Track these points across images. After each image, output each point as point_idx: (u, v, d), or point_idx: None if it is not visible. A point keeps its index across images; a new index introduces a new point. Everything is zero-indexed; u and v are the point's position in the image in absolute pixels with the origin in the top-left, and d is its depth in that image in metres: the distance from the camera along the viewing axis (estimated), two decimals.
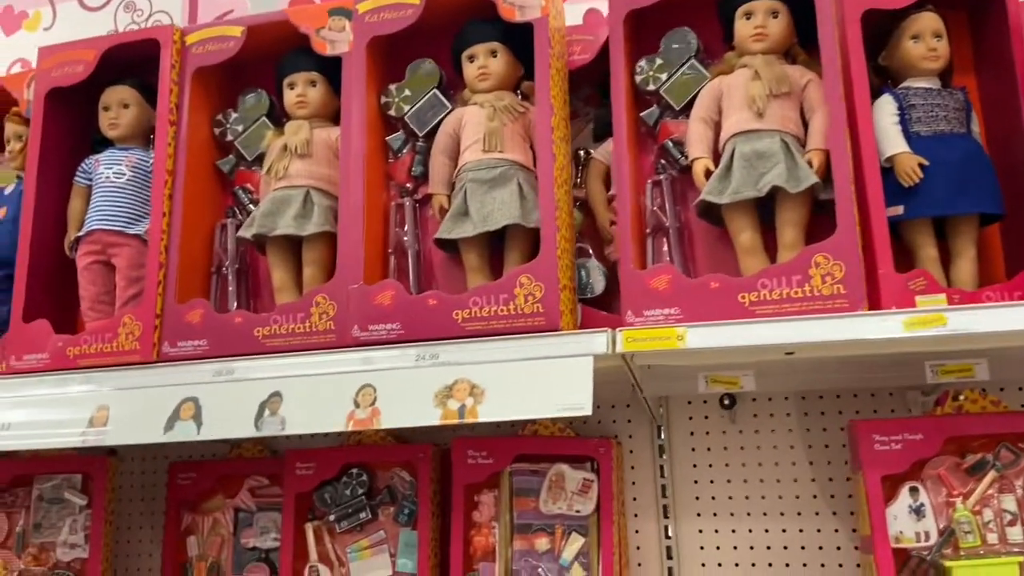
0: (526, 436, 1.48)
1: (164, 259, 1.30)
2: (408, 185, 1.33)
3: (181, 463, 1.72)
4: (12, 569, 1.58)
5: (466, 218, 1.20)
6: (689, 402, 1.52)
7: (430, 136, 1.33)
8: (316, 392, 1.15)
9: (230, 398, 1.18)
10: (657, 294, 1.09)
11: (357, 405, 1.12)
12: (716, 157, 1.18)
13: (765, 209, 1.15)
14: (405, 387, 1.11)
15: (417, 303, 1.16)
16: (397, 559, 1.50)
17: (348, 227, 1.23)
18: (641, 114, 1.26)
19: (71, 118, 1.48)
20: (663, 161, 1.25)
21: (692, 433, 1.52)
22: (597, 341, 1.07)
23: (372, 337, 1.16)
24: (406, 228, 1.30)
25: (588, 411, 1.01)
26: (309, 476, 1.54)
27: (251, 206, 1.40)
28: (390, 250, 1.30)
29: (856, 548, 1.33)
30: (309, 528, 1.54)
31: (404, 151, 1.34)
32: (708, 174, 1.15)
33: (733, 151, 1.12)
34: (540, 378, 1.06)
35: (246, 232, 1.31)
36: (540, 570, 1.41)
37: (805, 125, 1.16)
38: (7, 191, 1.55)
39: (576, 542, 1.40)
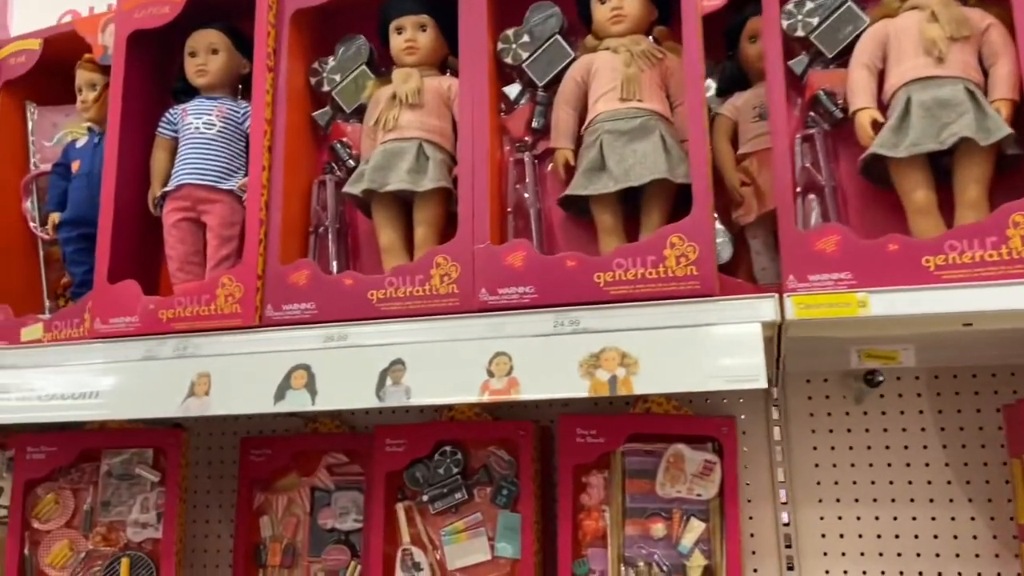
0: (638, 414, 1.40)
1: (264, 216, 1.21)
2: (527, 139, 1.23)
3: (253, 439, 1.65)
4: (79, 550, 1.50)
5: (602, 173, 1.11)
6: (808, 380, 1.43)
7: (549, 87, 1.23)
8: (443, 360, 1.06)
9: (345, 366, 1.10)
10: (824, 257, 0.99)
11: (491, 374, 1.03)
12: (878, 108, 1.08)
13: (937, 164, 1.05)
14: (544, 356, 1.02)
15: (553, 265, 1.07)
16: (496, 543, 1.42)
17: (469, 183, 1.14)
18: (789, 63, 1.16)
19: (152, 64, 1.38)
20: (813, 114, 1.15)
21: (812, 414, 1.43)
22: (764, 307, 0.97)
23: (502, 301, 1.07)
24: (526, 185, 1.21)
25: (763, 383, 0.92)
26: (400, 454, 1.46)
27: (351, 162, 1.31)
28: (509, 209, 1.20)
29: (1015, 537, 1.24)
30: (400, 509, 1.47)
31: (522, 102, 1.24)
32: (876, 126, 1.05)
33: (908, 100, 1.02)
34: (699, 347, 0.97)
35: (354, 188, 1.22)
36: (656, 557, 1.32)
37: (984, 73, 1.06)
38: (79, 144, 1.46)
39: (696, 528, 1.31)
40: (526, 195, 1.21)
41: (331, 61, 1.34)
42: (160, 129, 1.37)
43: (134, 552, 1.50)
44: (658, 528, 1.33)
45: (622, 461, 1.37)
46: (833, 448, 1.41)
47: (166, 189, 1.31)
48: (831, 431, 1.41)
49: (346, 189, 1.23)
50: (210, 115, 1.32)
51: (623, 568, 1.34)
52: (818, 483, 1.40)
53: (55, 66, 1.50)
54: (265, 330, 1.17)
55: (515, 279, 1.07)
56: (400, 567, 1.43)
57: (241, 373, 1.13)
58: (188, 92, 1.39)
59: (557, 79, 1.23)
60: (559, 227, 1.23)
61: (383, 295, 1.14)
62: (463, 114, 1.17)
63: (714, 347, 0.97)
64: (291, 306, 1.17)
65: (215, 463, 1.73)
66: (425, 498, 1.45)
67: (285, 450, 1.60)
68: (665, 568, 1.31)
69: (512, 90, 1.25)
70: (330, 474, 1.60)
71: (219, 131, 1.31)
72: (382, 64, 1.34)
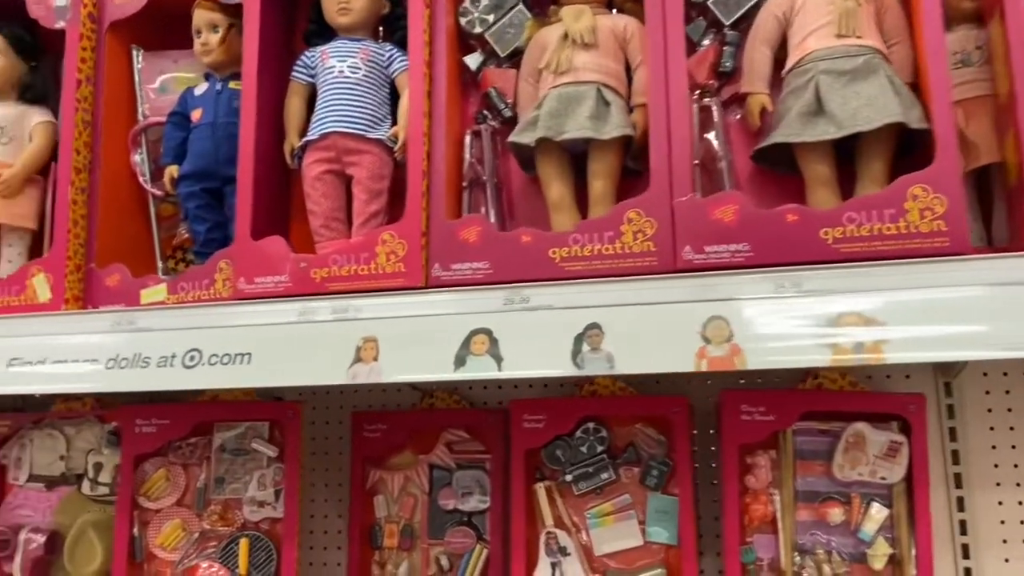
0: (809, 390, 1.30)
1: (427, 168, 1.10)
2: (712, 82, 1.13)
3: (366, 413, 1.56)
4: (192, 530, 1.42)
5: (819, 118, 1.01)
6: None
7: (737, 25, 1.12)
8: (646, 325, 0.96)
9: (531, 330, 1.00)
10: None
11: (707, 340, 0.93)
12: None
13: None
14: (768, 320, 0.93)
15: (769, 220, 0.97)
16: (647, 527, 1.32)
17: (663, 131, 1.03)
18: None
19: (279, 3, 1.28)
20: None
21: (988, 391, 1.33)
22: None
23: (710, 261, 0.98)
24: (714, 134, 1.10)
25: None
26: (539, 430, 1.37)
27: (507, 111, 1.20)
28: (696, 160, 1.10)
29: None
30: (541, 489, 1.37)
31: (705, 43, 1.13)
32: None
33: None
34: (961, 310, 0.86)
35: (523, 137, 1.11)
36: (833, 544, 1.23)
37: None
38: (198, 91, 1.36)
39: (879, 514, 1.22)
40: (715, 145, 1.11)
41: (483, 0, 1.23)
42: (295, 73, 1.27)
43: (253, 532, 1.41)
44: (835, 513, 1.23)
45: (792, 441, 1.27)
46: (1012, 428, 1.32)
47: (309, 138, 1.21)
48: (1009, 410, 1.32)
49: (514, 138, 1.13)
50: (355, 58, 1.22)
51: (796, 556, 1.24)
52: (996, 466, 1.31)
53: (163, 7, 1.40)
54: (434, 291, 1.07)
55: (726, 236, 0.98)
56: (544, 550, 1.34)
57: (411, 338, 1.04)
58: (321, 35, 1.28)
59: (746, 16, 1.12)
60: (748, 181, 1.12)
61: (566, 253, 1.04)
62: (653, 56, 1.07)
63: (978, 310, 0.86)
64: (461, 265, 1.07)
65: (319, 439, 1.64)
66: (568, 478, 1.35)
67: (401, 426, 1.51)
68: (845, 556, 1.22)
69: (695, 30, 1.14)
70: (450, 452, 1.50)
71: (364, 75, 1.21)
72: (536, 4, 1.23)
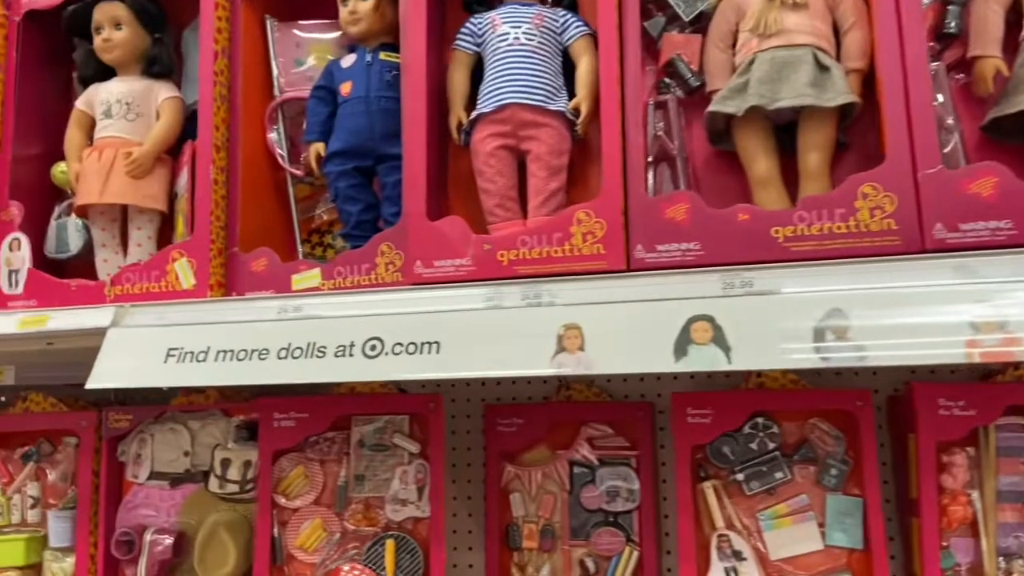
0: (1009, 383, 1.20)
1: (623, 141, 1.02)
2: (933, 45, 1.03)
3: (501, 406, 1.48)
4: (332, 530, 1.34)
5: None
6: None
7: None
8: (894, 311, 0.87)
9: (759, 317, 0.92)
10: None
11: (976, 330, 0.84)
12: None
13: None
14: None
15: None
16: (827, 531, 1.23)
17: (900, 98, 0.94)
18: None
19: None
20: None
21: None
22: None
23: (967, 239, 0.88)
24: (942, 101, 1.01)
25: None
26: (706, 425, 1.28)
27: (693, 80, 1.11)
28: None
29: None
30: (710, 488, 1.28)
31: (926, 2, 1.04)
32: None
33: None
34: None
35: (729, 106, 1.03)
36: None
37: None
38: (345, 63, 1.28)
39: None
40: (941, 112, 1.01)
41: None
42: (460, 42, 1.19)
43: (398, 533, 1.33)
44: None
45: (994, 437, 1.18)
46: None
47: (482, 110, 1.12)
48: None
49: (717, 108, 1.04)
50: (529, 24, 1.13)
51: (1000, 560, 1.15)
52: None
53: None
54: (638, 275, 0.98)
55: (985, 213, 0.88)
56: (717, 555, 1.26)
57: (618, 325, 0.95)
58: (483, 0, 1.19)
59: None
60: (975, 152, 1.03)
61: (791, 232, 0.95)
62: (883, 18, 0.97)
63: None
64: (668, 246, 0.98)
65: (447, 433, 1.55)
66: (740, 476, 1.27)
67: (538, 420, 1.43)
68: None
69: None
70: (592, 447, 1.42)
71: (540, 43, 1.13)
72: None
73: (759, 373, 1.32)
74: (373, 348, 1.02)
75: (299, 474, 1.36)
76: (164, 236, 1.37)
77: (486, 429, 1.43)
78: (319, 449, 1.38)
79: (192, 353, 1.06)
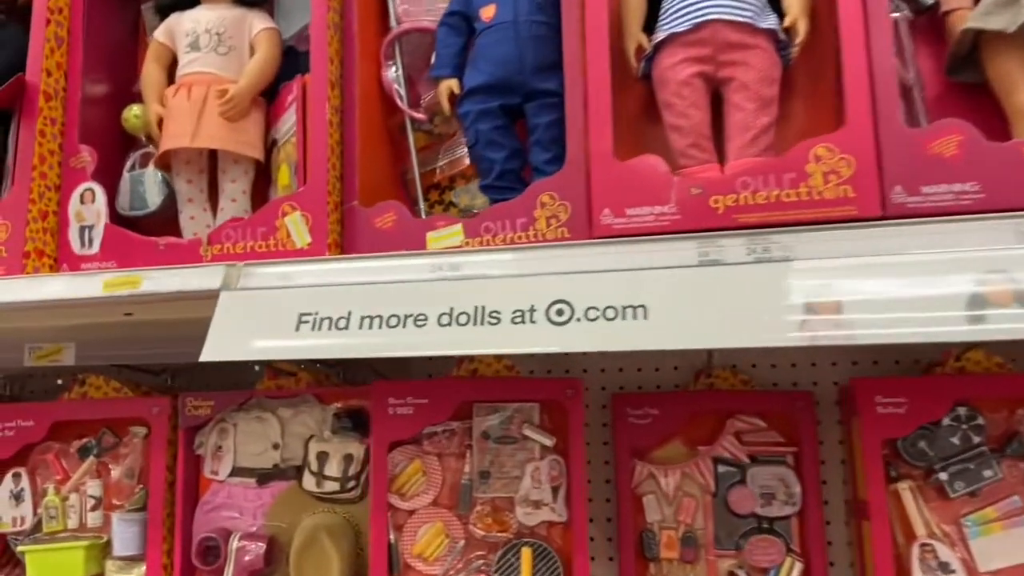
0: None
1: (868, 62, 0.84)
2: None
3: (631, 395, 1.31)
4: (456, 536, 1.16)
5: None
6: None
7: None
8: None
9: None
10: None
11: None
12: None
13: None
14: None
15: None
16: None
17: None
18: None
19: None
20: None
21: None
22: None
23: None
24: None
25: None
26: (900, 416, 1.11)
27: None
28: None
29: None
30: (906, 490, 1.11)
31: None
32: None
33: None
34: None
35: (996, 21, 0.87)
36: None
37: None
38: None
39: None
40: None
41: None
42: None
43: (533, 540, 1.15)
44: None
45: None
46: None
47: (674, 30, 0.94)
48: None
49: (978, 24, 0.87)
50: None
51: None
52: None
53: None
54: (896, 223, 0.80)
55: None
56: (919, 567, 1.09)
57: (880, 282, 0.77)
58: None
59: None
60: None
61: None
62: None
63: None
64: (936, 188, 0.81)
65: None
66: (943, 476, 1.10)
67: (677, 411, 1.25)
68: None
69: None
70: (740, 442, 1.24)
71: None
72: None
73: (957, 356, 1.15)
74: (560, 313, 0.84)
75: (416, 470, 1.18)
76: (257, 191, 1.19)
77: (615, 421, 1.26)
78: (437, 442, 1.19)
79: (330, 319, 0.88)
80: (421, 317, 0.86)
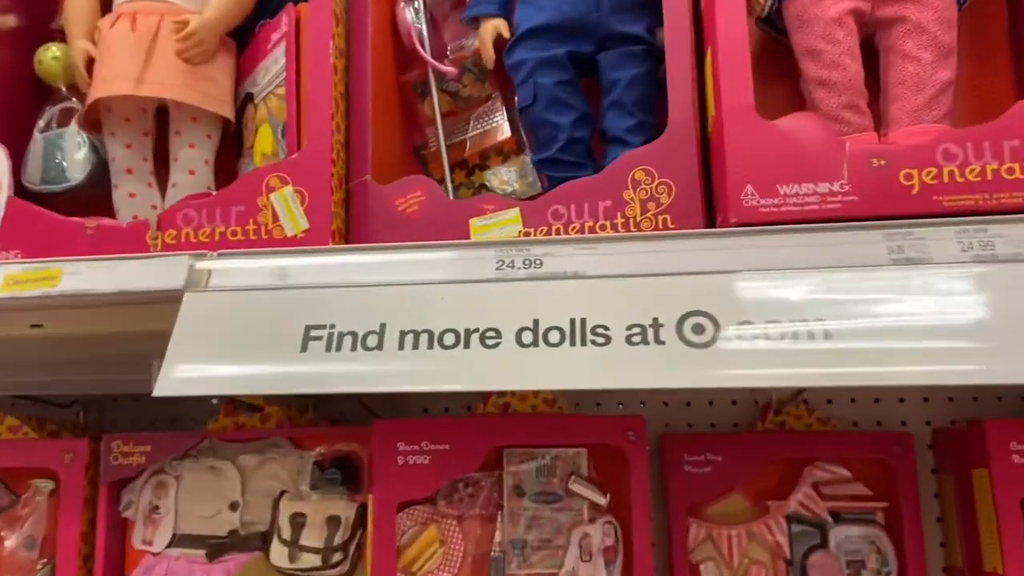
0: None
1: None
2: None
3: (685, 436, 1.07)
4: None
5: None
6: None
7: None
8: None
9: None
10: None
11: None
12: None
13: None
14: None
15: None
16: None
17: None
18: None
19: None
20: None
21: None
22: None
23: None
24: None
25: None
26: None
27: None
28: None
29: None
30: None
31: None
32: None
33: None
34: None
35: None
36: None
37: None
38: None
39: None
40: None
41: None
42: None
43: None
44: None
45: None
46: None
47: None
48: None
49: None
50: None
51: None
52: None
53: None
54: None
55: None
56: None
57: None
58: None
59: None
60: None
61: None
62: None
63: None
64: None
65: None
66: None
67: (740, 456, 1.02)
68: None
69: None
70: (819, 495, 1.02)
71: None
72: None
73: None
74: (698, 331, 0.59)
75: (431, 539, 0.90)
76: (220, 164, 0.91)
77: (664, 469, 1.02)
78: (459, 500, 0.92)
79: (354, 336, 0.61)
80: (491, 333, 0.60)
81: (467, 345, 0.60)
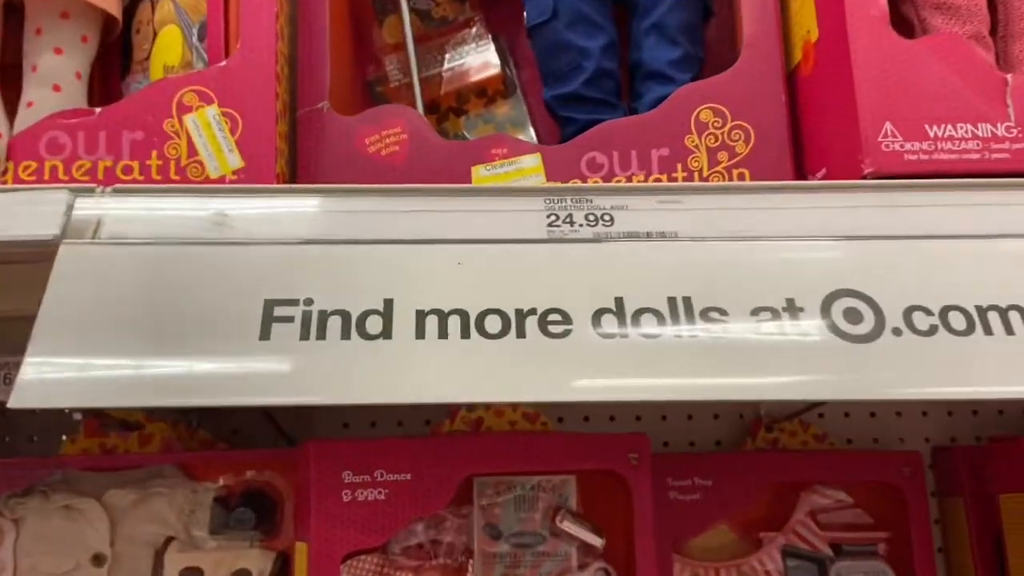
0: None
1: None
2: None
3: (670, 457, 0.91)
4: None
5: None
6: None
7: None
8: None
9: None
10: None
11: None
12: None
13: None
14: None
15: None
16: None
17: None
18: None
19: None
20: None
21: None
22: None
23: None
24: None
25: None
26: None
27: None
28: None
29: None
30: None
31: None
32: None
33: None
34: None
35: None
36: None
37: None
38: None
39: None
40: None
41: None
42: None
43: None
44: None
45: None
46: None
47: None
48: None
49: None
50: None
51: None
52: None
53: None
54: None
55: None
56: None
57: None
58: None
59: None
60: None
61: None
62: None
63: None
64: None
65: None
66: None
67: (728, 480, 0.88)
68: None
69: None
70: (817, 526, 0.90)
71: None
72: None
73: None
74: (855, 318, 0.42)
75: None
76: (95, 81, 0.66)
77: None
78: (417, 548, 0.71)
79: (345, 316, 0.40)
80: (556, 316, 0.41)
81: (521, 332, 0.40)
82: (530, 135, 0.71)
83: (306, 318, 0.40)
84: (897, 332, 0.42)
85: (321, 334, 0.39)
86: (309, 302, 0.41)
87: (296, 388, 0.37)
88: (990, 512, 0.88)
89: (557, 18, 0.62)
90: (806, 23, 0.56)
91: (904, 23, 0.56)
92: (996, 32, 0.59)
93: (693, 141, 0.56)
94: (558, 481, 0.76)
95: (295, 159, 0.59)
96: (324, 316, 0.40)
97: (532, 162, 0.56)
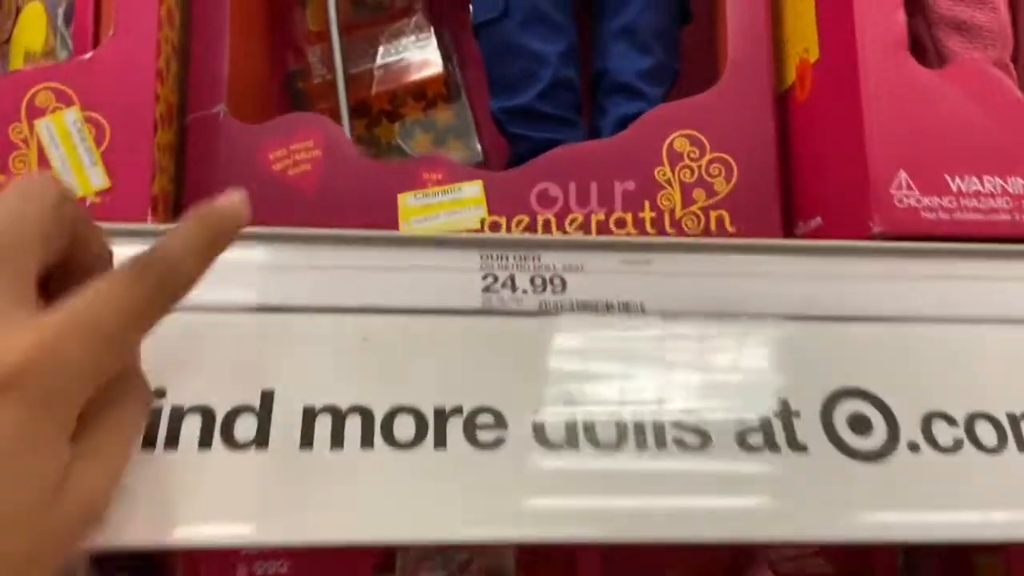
0: None
1: None
2: None
3: None
4: None
5: None
6: None
7: None
8: None
9: None
10: None
11: None
12: None
13: None
14: None
15: None
16: None
17: None
18: None
19: None
20: None
21: None
22: None
23: None
24: None
25: None
26: None
27: None
28: None
29: None
30: None
31: None
32: None
33: None
34: None
35: None
36: None
37: None
38: None
39: None
40: None
41: None
42: None
43: None
44: None
45: None
46: None
47: None
48: None
49: None
50: None
51: None
52: None
53: None
54: None
55: None
56: None
57: None
58: None
59: None
60: None
61: None
62: None
63: None
64: None
65: None
66: None
67: None
68: None
69: None
70: None
71: None
72: None
73: None
74: (863, 428, 0.34)
75: None
76: None
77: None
78: None
79: (208, 416, 0.30)
80: (486, 417, 0.32)
81: (440, 440, 0.31)
82: (474, 148, 0.61)
83: (153, 417, 0.30)
84: (914, 447, 0.34)
85: (172, 442, 0.30)
86: (160, 393, 0.31)
87: (118, 529, 0.28)
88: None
89: (509, 16, 0.52)
90: (804, 39, 0.48)
91: (913, 44, 0.48)
92: (1018, 60, 0.52)
93: (664, 174, 0.47)
94: (492, 549, 0.68)
95: (184, 178, 0.48)
96: (179, 414, 0.31)
97: (472, 192, 0.47)
